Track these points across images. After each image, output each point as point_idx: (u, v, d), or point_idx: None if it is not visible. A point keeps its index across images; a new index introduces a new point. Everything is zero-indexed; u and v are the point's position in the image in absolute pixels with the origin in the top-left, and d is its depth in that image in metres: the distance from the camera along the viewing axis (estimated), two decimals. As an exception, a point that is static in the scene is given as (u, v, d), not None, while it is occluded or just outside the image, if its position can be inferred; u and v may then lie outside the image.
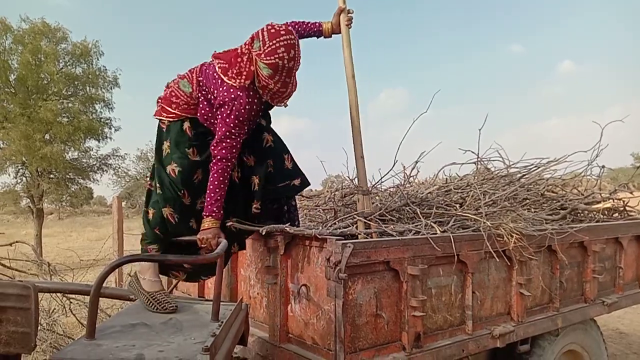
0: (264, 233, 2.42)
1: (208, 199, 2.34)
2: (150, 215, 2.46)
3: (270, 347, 2.50)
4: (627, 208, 4.07)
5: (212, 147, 2.34)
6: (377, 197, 3.54)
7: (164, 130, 2.47)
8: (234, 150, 2.36)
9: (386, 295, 2.31)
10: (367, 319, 2.23)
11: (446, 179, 3.57)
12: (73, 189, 18.77)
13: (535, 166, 3.47)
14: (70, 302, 4.60)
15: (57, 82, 15.02)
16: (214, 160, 2.35)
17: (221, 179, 2.34)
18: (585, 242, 3.27)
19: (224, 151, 2.33)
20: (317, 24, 2.80)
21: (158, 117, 2.48)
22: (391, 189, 3.81)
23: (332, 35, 2.82)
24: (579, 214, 3.75)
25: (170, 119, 2.44)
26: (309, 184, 2.74)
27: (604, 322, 6.91)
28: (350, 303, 2.16)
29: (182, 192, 2.42)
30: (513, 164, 3.51)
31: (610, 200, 3.97)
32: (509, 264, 2.80)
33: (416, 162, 3.84)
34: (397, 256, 2.30)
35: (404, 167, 3.93)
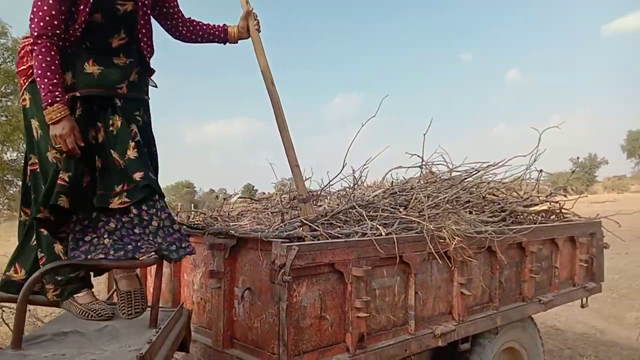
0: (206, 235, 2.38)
1: (42, 87, 1.95)
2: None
3: (213, 353, 2.45)
4: (563, 210, 4.27)
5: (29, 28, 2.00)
6: (326, 200, 3.56)
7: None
8: (53, 22, 1.96)
9: (331, 297, 2.32)
10: (311, 321, 2.23)
11: (392, 182, 3.63)
12: (12, 192, 17.86)
13: (476, 170, 3.59)
14: (3, 311, 4.37)
15: (-7, 79, 14.25)
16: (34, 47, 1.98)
17: (48, 59, 1.94)
18: (524, 243, 3.40)
19: (36, 27, 1.96)
20: (221, 28, 2.63)
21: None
22: (340, 192, 3.85)
23: (239, 42, 2.68)
24: (518, 216, 3.90)
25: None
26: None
27: (542, 319, 7.22)
28: (295, 306, 2.16)
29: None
30: (455, 168, 3.62)
31: (547, 203, 4.16)
32: (450, 264, 2.88)
33: (364, 166, 3.89)
34: (342, 258, 2.32)
35: (354, 170, 3.98)
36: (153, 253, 1.95)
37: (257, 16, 2.67)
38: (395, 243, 2.52)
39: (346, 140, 3.18)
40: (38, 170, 2.10)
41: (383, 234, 2.56)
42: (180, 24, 2.54)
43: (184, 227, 2.55)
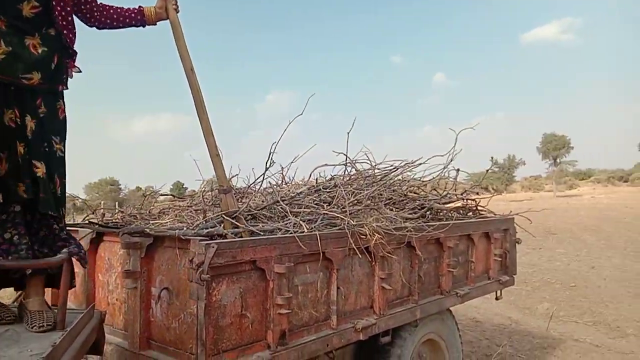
0: (121, 235, 2.29)
1: None
2: None
3: (129, 355, 2.36)
4: (479, 208, 4.50)
5: None
6: (251, 197, 3.53)
7: None
8: None
9: (252, 295, 2.30)
10: (232, 320, 2.20)
11: (316, 179, 3.67)
12: None
13: (396, 167, 3.71)
14: None
15: None
16: None
17: None
18: (441, 239, 3.55)
19: None
20: (137, 10, 2.52)
21: None
22: (266, 190, 3.83)
23: (157, 23, 2.57)
24: (437, 213, 4.06)
25: None
26: None
27: (462, 312, 7.58)
28: (214, 304, 2.12)
29: None
30: (377, 165, 3.71)
31: (464, 200, 4.36)
32: (371, 260, 2.95)
33: (291, 163, 3.90)
34: (264, 255, 2.31)
35: (282, 167, 3.98)
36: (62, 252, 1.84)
37: None
38: (318, 239, 2.54)
39: (278, 137, 3.16)
40: None
41: (306, 230, 2.57)
42: (95, 9, 2.39)
43: (97, 226, 2.43)
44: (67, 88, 2.21)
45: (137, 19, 2.52)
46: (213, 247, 2.06)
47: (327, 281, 2.70)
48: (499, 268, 4.42)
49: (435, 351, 3.93)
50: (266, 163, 3.07)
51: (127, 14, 2.49)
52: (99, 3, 2.42)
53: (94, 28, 2.47)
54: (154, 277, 2.35)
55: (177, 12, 2.58)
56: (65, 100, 2.18)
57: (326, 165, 3.64)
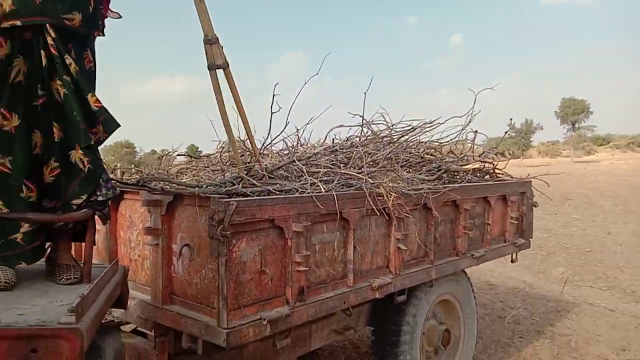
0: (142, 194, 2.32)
1: None
2: None
3: (152, 309, 2.44)
4: (496, 171, 4.47)
5: None
6: (267, 157, 3.55)
7: None
8: None
9: (271, 252, 2.34)
10: (251, 276, 2.25)
11: (333, 139, 3.66)
12: None
13: (413, 127, 3.68)
14: None
15: None
16: None
17: None
18: (458, 201, 3.54)
19: None
20: None
21: None
22: (282, 151, 3.84)
23: None
24: (454, 175, 4.05)
25: None
26: None
27: (476, 275, 7.64)
28: (234, 261, 2.16)
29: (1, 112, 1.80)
30: (394, 126, 3.69)
31: (480, 163, 4.33)
32: (388, 220, 2.96)
33: (307, 125, 3.89)
34: (282, 214, 2.34)
35: (297, 129, 3.97)
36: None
37: None
38: (335, 199, 2.56)
39: (292, 100, 3.15)
40: None
41: (323, 190, 2.59)
42: None
43: (118, 183, 2.47)
44: (103, 34, 2.12)
45: None
46: (233, 204, 2.08)
47: (343, 241, 2.72)
48: (515, 231, 4.41)
49: (449, 311, 3.99)
50: (287, 124, 3.06)
51: None
52: None
53: None
54: (174, 234, 2.39)
55: None
56: (95, 49, 2.08)
57: (342, 126, 3.63)
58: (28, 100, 1.85)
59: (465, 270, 4.02)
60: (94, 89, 2.05)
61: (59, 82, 1.84)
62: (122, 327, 2.55)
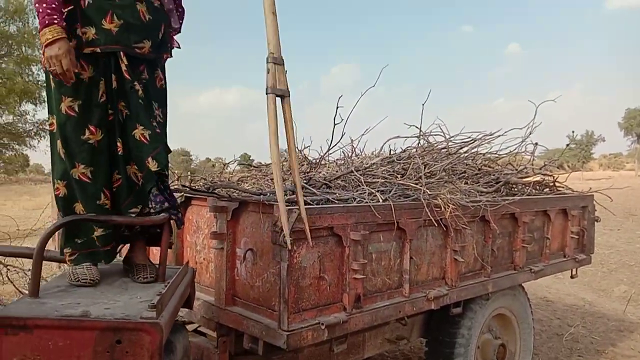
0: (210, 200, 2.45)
1: (40, 11, 1.91)
2: (60, 193, 2.05)
3: (215, 310, 2.56)
4: (557, 184, 4.36)
5: None
6: (324, 167, 3.63)
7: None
8: None
9: (329, 259, 2.41)
10: (311, 281, 2.32)
11: (389, 150, 3.70)
12: (8, 155, 17.87)
13: (473, 139, 3.66)
14: (8, 270, 4.47)
15: (-12, 41, 14.10)
16: None
17: None
18: (517, 214, 3.49)
19: None
20: None
21: None
22: (338, 161, 3.92)
23: None
24: (512, 188, 3.99)
25: None
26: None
27: (532, 290, 7.41)
28: (295, 266, 2.25)
29: (88, 128, 2.00)
30: (452, 137, 3.68)
31: (540, 176, 4.24)
32: (445, 232, 2.97)
33: (362, 135, 3.95)
34: (341, 222, 2.40)
35: (352, 140, 4.04)
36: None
37: None
38: (392, 209, 2.60)
39: (344, 110, 3.22)
40: (55, 129, 2.06)
41: (380, 200, 2.64)
42: None
43: (187, 189, 2.61)
44: (171, 56, 2.33)
45: None
46: (295, 212, 2.17)
47: (400, 250, 2.76)
48: (576, 246, 4.29)
49: (505, 326, 3.92)
50: (342, 134, 3.13)
51: None
52: None
53: None
54: (238, 238, 2.51)
55: None
56: (165, 71, 2.29)
57: (399, 137, 3.67)
58: (107, 117, 2.06)
59: (523, 285, 3.95)
60: (165, 105, 2.28)
61: (122, 103, 2.06)
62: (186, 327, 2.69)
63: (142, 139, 2.02)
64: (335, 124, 2.78)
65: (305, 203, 2.47)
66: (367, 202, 2.60)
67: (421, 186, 2.74)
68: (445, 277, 3.05)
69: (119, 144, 2.04)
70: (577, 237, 4.22)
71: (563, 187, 4.49)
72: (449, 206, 2.79)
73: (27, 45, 14.97)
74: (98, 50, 1.99)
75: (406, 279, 2.76)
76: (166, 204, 2.15)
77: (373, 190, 2.70)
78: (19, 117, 16.38)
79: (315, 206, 2.42)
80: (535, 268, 3.73)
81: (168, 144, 2.22)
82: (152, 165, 2.01)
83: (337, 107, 2.76)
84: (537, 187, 4.30)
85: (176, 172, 3.71)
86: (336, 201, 2.57)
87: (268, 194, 2.53)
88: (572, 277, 4.46)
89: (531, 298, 7.00)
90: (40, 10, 1.91)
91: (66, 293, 1.70)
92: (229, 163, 3.99)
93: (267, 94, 2.21)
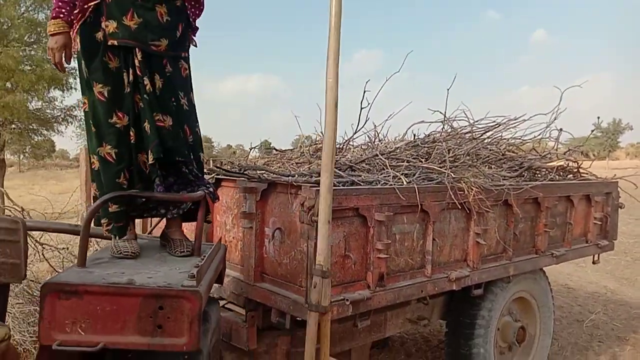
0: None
1: (54, 2, 2.12)
2: (95, 167, 2.20)
3: (244, 286, 2.67)
4: (581, 170, 4.36)
5: None
6: (349, 152, 3.71)
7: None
8: None
9: (354, 239, 2.50)
10: (336, 259, 2.42)
11: (413, 135, 3.75)
12: (36, 140, 18.32)
13: (497, 124, 3.68)
14: (44, 248, 4.66)
15: (18, 28, 14.42)
16: None
17: None
18: (539, 199, 3.52)
19: None
20: None
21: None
22: (363, 145, 3.98)
23: None
24: (536, 173, 4.01)
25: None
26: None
27: (554, 278, 7.40)
28: (322, 245, 2.34)
29: (116, 113, 2.14)
30: (476, 122, 3.71)
31: (564, 161, 4.24)
32: (468, 215, 3.03)
33: (386, 120, 4.01)
34: (366, 203, 2.49)
35: (375, 125, 4.10)
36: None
37: None
38: (417, 192, 2.67)
39: (367, 96, 3.27)
40: (87, 109, 2.19)
41: (404, 182, 2.71)
42: None
43: (220, 170, 2.71)
44: (188, 54, 2.43)
45: None
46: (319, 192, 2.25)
47: (423, 232, 2.83)
48: (598, 232, 4.29)
49: (526, 310, 3.97)
50: (367, 119, 3.20)
51: None
52: None
53: None
54: (267, 218, 2.61)
55: None
56: (189, 60, 2.40)
57: (423, 122, 3.71)
58: (133, 106, 2.19)
59: (544, 270, 3.99)
60: (191, 91, 2.39)
61: (138, 96, 2.18)
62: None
63: (148, 131, 2.15)
64: (362, 108, 2.84)
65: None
66: (391, 185, 2.67)
67: (445, 169, 2.79)
68: (467, 259, 3.11)
69: (131, 133, 2.17)
70: (600, 223, 4.22)
71: (587, 174, 4.48)
72: (472, 189, 2.84)
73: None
74: (116, 43, 2.11)
75: (429, 260, 2.84)
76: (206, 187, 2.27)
77: (397, 173, 2.77)
78: (47, 103, 16.78)
79: (342, 187, 2.50)
80: (556, 253, 3.76)
81: (199, 127, 2.34)
82: (150, 157, 2.13)
83: (365, 92, 2.82)
84: (561, 173, 4.31)
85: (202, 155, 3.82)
86: (361, 183, 2.65)
87: (295, 176, 2.62)
88: (594, 262, 4.47)
89: (553, 285, 6.99)
90: (54, 1, 2.10)
91: (110, 264, 1.82)
92: (253, 148, 4.09)
93: (309, 310, 2.17)
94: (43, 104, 16.66)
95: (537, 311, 4.01)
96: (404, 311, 3.35)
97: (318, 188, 2.29)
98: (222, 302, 3.08)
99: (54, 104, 16.92)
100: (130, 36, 2.12)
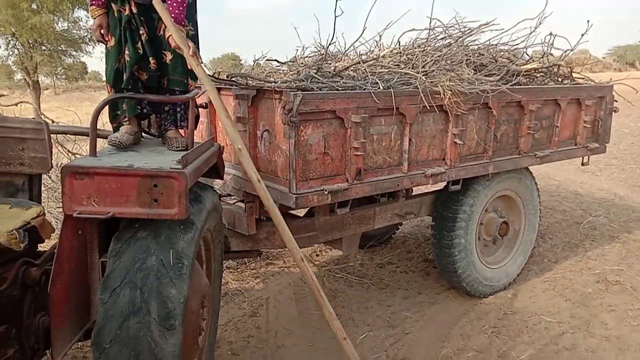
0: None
1: None
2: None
3: (242, 182, 3.08)
4: (573, 74, 4.46)
5: None
6: (341, 62, 3.94)
7: None
8: None
9: (333, 139, 2.83)
10: (316, 156, 2.77)
11: (398, 42, 3.92)
12: (67, 62, 18.81)
13: (476, 28, 3.78)
14: (75, 157, 5.19)
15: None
16: None
17: None
18: (523, 102, 3.72)
19: None
20: None
21: None
22: (361, 56, 4.18)
23: None
24: (528, 78, 4.15)
25: None
26: None
27: (565, 185, 7.64)
28: (302, 143, 2.69)
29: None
30: (451, 26, 3.82)
31: (553, 67, 4.34)
32: (446, 117, 3.29)
33: (384, 30, 4.17)
34: (342, 106, 2.78)
35: (378, 34, 4.26)
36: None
37: None
38: (392, 96, 2.94)
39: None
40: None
41: (381, 87, 2.97)
42: None
43: (213, 77, 3.02)
44: None
45: None
46: (299, 96, 2.57)
47: (400, 133, 3.12)
48: (589, 135, 4.46)
49: (511, 207, 4.29)
50: (364, 29, 3.39)
51: None
52: None
53: None
54: (258, 122, 2.96)
55: None
56: None
57: (413, 29, 3.87)
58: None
59: (530, 170, 4.25)
60: (193, 17, 2.62)
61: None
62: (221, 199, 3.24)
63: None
64: (336, 16, 2.97)
65: (312, 90, 2.85)
66: (368, 89, 2.94)
67: (419, 74, 3.03)
68: (445, 158, 3.40)
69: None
70: (589, 126, 4.37)
71: (583, 78, 4.59)
72: (447, 93, 3.08)
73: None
74: None
75: (405, 158, 3.15)
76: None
77: (376, 79, 3.02)
78: (73, 24, 17.06)
79: (319, 92, 2.79)
80: (540, 154, 4.00)
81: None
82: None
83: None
84: (555, 78, 4.43)
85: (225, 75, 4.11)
86: (339, 89, 2.93)
87: (279, 82, 2.92)
88: (582, 164, 4.69)
89: (561, 192, 7.22)
90: None
91: (116, 154, 2.22)
92: (258, 59, 4.34)
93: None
94: (69, 24, 16.94)
95: (522, 208, 4.34)
96: (392, 207, 3.73)
97: (296, 92, 2.60)
98: (232, 200, 3.52)
99: (79, 24, 17.18)
100: None
